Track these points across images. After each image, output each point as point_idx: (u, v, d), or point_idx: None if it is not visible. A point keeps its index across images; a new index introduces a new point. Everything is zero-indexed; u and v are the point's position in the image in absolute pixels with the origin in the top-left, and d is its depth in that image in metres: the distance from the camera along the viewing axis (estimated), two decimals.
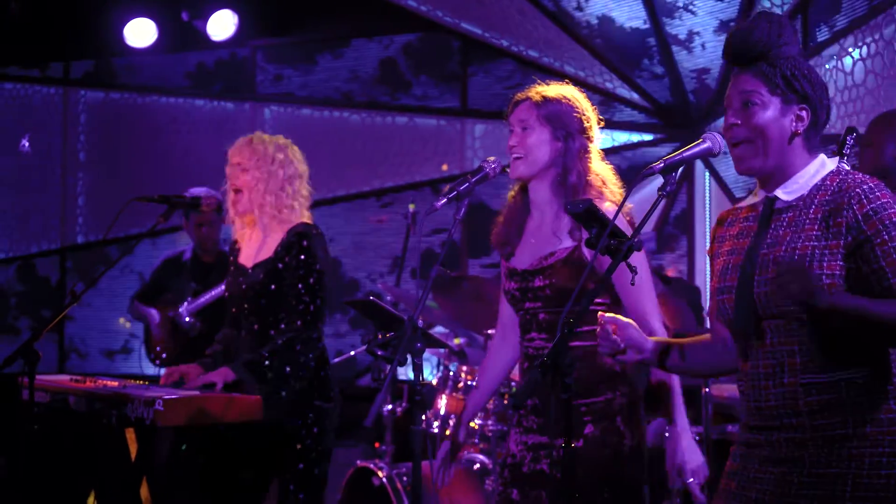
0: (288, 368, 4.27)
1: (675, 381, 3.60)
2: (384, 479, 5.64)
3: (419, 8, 7.90)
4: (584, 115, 3.64)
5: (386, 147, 8.17)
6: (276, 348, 4.25)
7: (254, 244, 4.55)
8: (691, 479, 3.51)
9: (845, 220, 2.70)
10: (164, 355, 7.16)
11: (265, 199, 4.45)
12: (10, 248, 9.10)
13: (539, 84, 3.69)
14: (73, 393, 4.25)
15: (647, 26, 7.19)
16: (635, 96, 7.44)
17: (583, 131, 3.62)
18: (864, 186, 2.72)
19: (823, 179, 2.80)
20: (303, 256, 4.36)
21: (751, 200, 2.95)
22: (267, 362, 4.23)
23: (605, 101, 7.58)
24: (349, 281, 8.20)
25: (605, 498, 3.41)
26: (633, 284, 2.99)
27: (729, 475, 2.89)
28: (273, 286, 4.38)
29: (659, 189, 2.95)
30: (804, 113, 2.80)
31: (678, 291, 5.79)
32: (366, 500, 5.80)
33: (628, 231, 3.51)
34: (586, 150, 3.63)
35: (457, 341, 6.04)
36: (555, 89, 3.65)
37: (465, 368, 5.71)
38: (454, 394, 5.67)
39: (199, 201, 4.56)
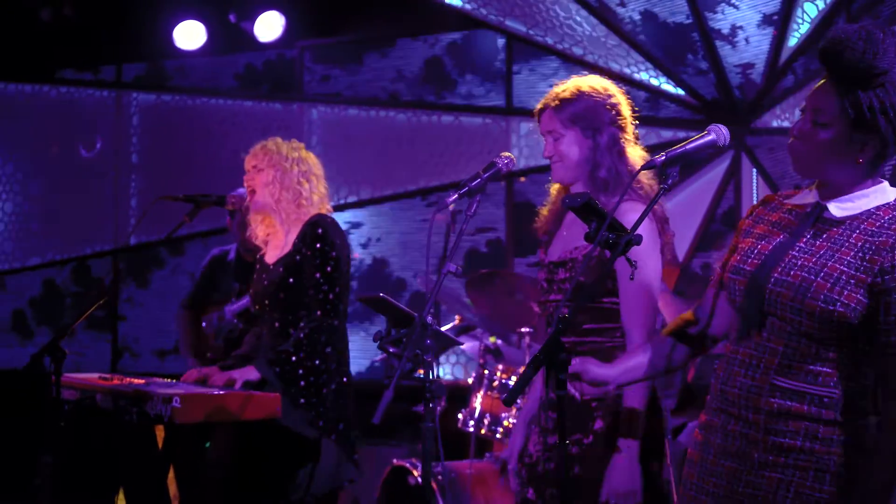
0: (318, 361, 4.28)
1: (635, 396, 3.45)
2: (419, 479, 5.63)
3: (464, 6, 7.88)
4: (607, 104, 3.55)
5: (431, 146, 8.15)
6: (299, 341, 4.26)
7: (278, 243, 4.58)
8: None
9: (881, 261, 2.66)
10: (209, 355, 7.22)
11: (281, 195, 4.48)
12: (65, 250, 9.23)
13: (557, 84, 3.63)
14: (100, 390, 4.30)
15: (689, 21, 7.11)
16: (681, 92, 7.35)
17: (611, 121, 3.55)
18: None
19: (878, 208, 2.75)
20: (318, 245, 4.37)
21: (802, 198, 2.89)
22: (294, 357, 4.24)
23: (650, 97, 7.50)
24: (396, 280, 8.19)
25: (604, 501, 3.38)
26: (631, 279, 2.94)
27: (689, 464, 2.91)
28: (291, 279, 4.40)
29: (660, 182, 2.92)
30: (869, 144, 2.72)
31: None
32: (402, 500, 5.80)
33: (653, 226, 3.47)
34: (616, 142, 3.55)
35: (492, 340, 6.01)
36: (572, 86, 3.58)
37: (500, 367, 5.69)
38: (489, 392, 5.65)
39: (224, 199, 4.59)
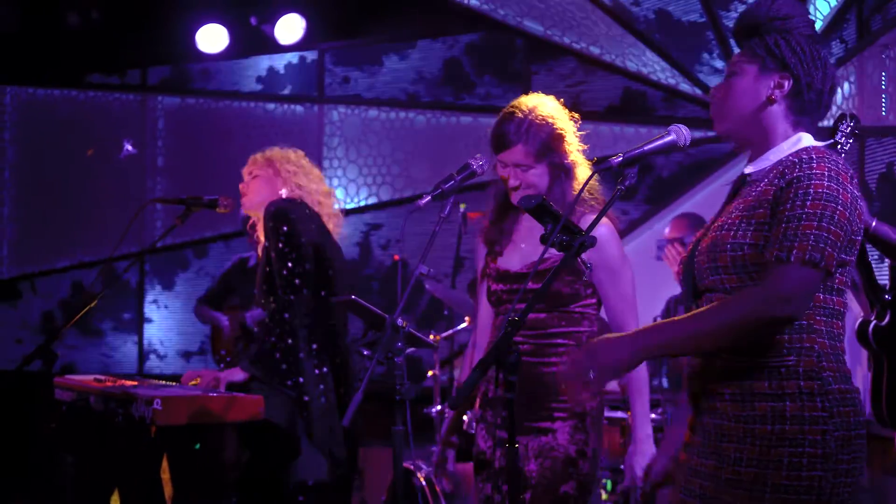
0: (290, 340, 4.28)
1: (639, 377, 3.52)
2: (423, 481, 5.63)
3: (482, 7, 7.86)
4: (558, 129, 3.56)
5: (451, 147, 8.14)
6: (265, 325, 4.28)
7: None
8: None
9: (773, 189, 2.60)
10: (228, 358, 7.26)
11: (269, 197, 4.50)
12: (93, 252, 9.31)
13: (513, 111, 3.58)
14: (93, 392, 4.33)
15: (703, 20, 7.05)
16: (697, 91, 7.29)
17: (567, 148, 3.57)
18: (804, 155, 2.61)
19: (788, 155, 2.68)
20: (271, 224, 4.38)
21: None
22: (266, 344, 4.25)
23: (667, 97, 7.44)
24: (415, 281, 8.18)
25: (562, 494, 3.40)
26: (585, 278, 2.93)
27: (678, 465, 2.86)
28: (268, 268, 4.42)
29: (618, 183, 2.89)
30: (785, 81, 2.70)
31: None
32: (408, 501, 5.80)
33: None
34: (575, 165, 3.58)
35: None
36: (532, 117, 3.54)
37: None
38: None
39: (216, 202, 4.60)
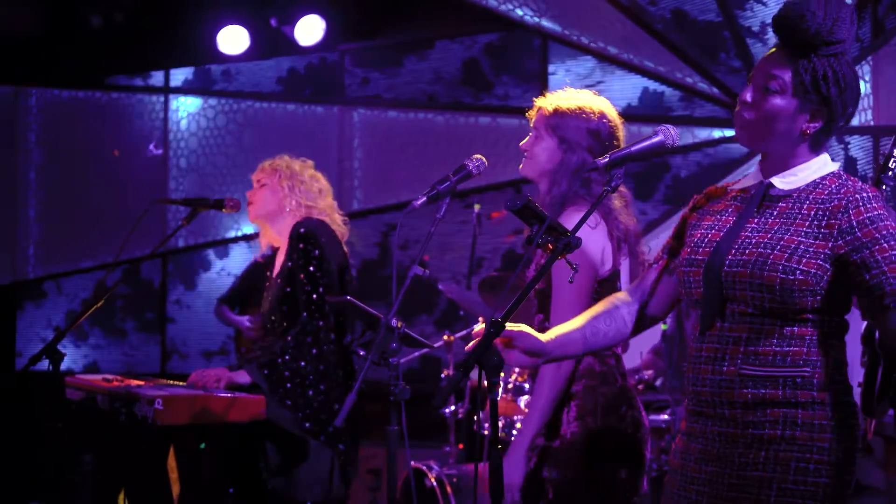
0: (302, 363, 4.29)
1: (547, 374, 3.39)
2: (434, 482, 5.63)
3: (500, 7, 7.86)
4: (594, 131, 3.53)
5: (469, 147, 8.13)
6: (286, 344, 4.29)
7: (281, 258, 4.61)
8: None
9: (838, 224, 2.61)
10: (242, 350, 7.31)
11: (280, 206, 4.53)
12: (116, 252, 9.37)
13: (565, 89, 3.62)
14: (100, 392, 4.37)
15: (720, 19, 7.02)
16: (715, 91, 7.25)
17: (587, 148, 3.52)
18: (864, 194, 2.64)
19: (823, 178, 2.71)
20: (301, 245, 4.38)
21: (745, 182, 2.87)
22: (279, 360, 4.26)
23: (685, 96, 7.42)
24: (433, 282, 8.20)
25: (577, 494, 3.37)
26: (571, 282, 2.92)
27: (671, 473, 2.84)
28: (288, 288, 4.42)
29: (604, 184, 2.87)
30: (818, 114, 2.69)
31: None
32: (420, 502, 5.80)
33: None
34: (584, 167, 3.48)
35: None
36: (572, 100, 3.56)
37: (515, 370, 5.66)
38: (504, 395, 5.62)
39: (223, 203, 4.62)
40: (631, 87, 7.66)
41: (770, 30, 6.74)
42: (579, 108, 3.54)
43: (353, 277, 4.74)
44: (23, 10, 8.96)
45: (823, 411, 2.62)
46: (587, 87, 7.89)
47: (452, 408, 6.03)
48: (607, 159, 2.85)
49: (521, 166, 3.67)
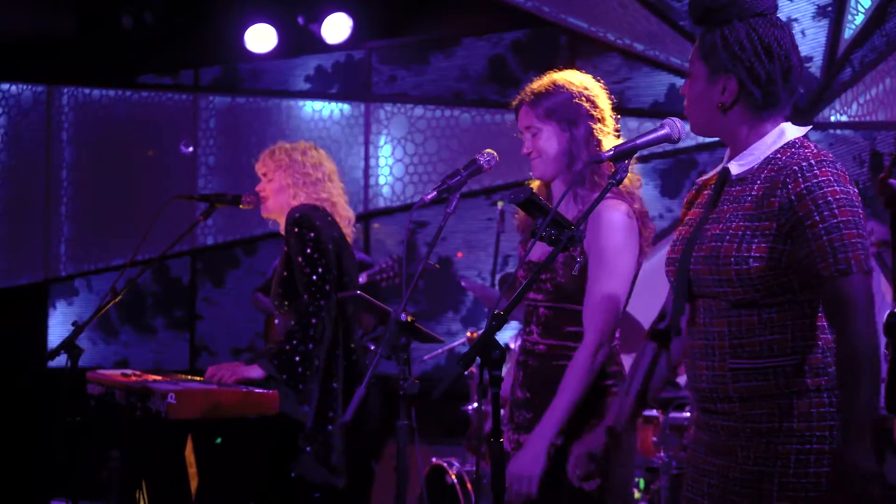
0: (311, 345, 4.30)
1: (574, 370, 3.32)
2: (454, 478, 5.64)
3: (526, 4, 7.84)
4: (583, 97, 3.49)
5: (495, 145, 8.02)
6: (291, 329, 4.30)
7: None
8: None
9: (779, 201, 2.54)
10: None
11: (293, 200, 4.54)
12: (146, 250, 9.41)
13: (534, 80, 3.60)
14: (118, 387, 4.40)
15: None
16: None
17: (587, 114, 3.49)
18: (804, 163, 2.55)
19: (776, 152, 2.63)
20: (296, 229, 4.41)
21: (714, 172, 2.84)
22: (287, 346, 4.28)
23: None
24: (461, 278, 8.19)
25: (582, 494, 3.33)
26: (574, 273, 2.90)
27: (687, 464, 2.84)
28: (286, 272, 4.44)
29: (609, 177, 2.87)
30: (730, 84, 2.65)
31: None
32: (441, 498, 5.81)
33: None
34: (592, 135, 3.48)
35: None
36: (547, 80, 3.55)
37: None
38: None
39: (240, 199, 4.64)
40: (657, 83, 7.62)
41: (795, 25, 6.74)
42: (553, 84, 3.51)
43: (358, 263, 4.74)
44: (56, 12, 9.05)
45: (819, 398, 2.57)
46: (613, 83, 7.91)
47: (475, 405, 6.01)
48: (612, 152, 2.85)
49: (532, 172, 3.63)
